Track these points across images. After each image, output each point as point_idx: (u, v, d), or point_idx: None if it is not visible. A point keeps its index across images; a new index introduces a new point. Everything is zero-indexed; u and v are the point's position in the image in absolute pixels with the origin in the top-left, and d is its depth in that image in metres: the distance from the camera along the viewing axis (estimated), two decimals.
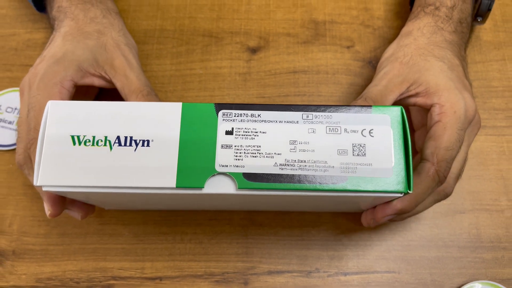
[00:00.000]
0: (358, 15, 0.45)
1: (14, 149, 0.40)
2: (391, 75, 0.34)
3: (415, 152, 0.35)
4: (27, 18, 0.45)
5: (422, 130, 0.36)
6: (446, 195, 0.33)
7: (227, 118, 0.27)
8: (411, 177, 0.27)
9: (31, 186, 0.39)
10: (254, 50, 0.44)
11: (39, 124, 0.30)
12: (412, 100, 0.33)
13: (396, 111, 0.27)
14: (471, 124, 0.33)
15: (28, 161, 0.33)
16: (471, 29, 0.42)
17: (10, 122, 0.40)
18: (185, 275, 0.36)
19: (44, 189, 0.27)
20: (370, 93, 0.32)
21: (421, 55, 0.34)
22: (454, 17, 0.37)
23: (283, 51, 0.43)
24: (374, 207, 0.32)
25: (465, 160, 0.33)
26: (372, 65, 0.43)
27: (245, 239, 0.37)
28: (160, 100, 0.35)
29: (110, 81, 0.35)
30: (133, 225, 0.37)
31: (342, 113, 0.28)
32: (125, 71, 0.35)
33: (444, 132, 0.31)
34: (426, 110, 0.33)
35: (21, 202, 0.38)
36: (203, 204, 0.34)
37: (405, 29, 0.38)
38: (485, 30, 0.44)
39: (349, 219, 0.37)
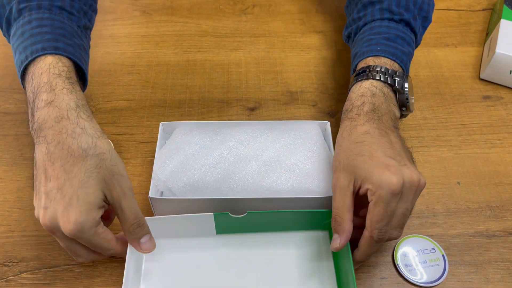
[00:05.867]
0: (318, 87, 0.69)
1: None
2: (340, 185, 0.44)
3: None
4: None
5: None
6: (391, 239, 0.44)
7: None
8: None
9: None
10: (252, 109, 0.66)
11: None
12: (360, 192, 0.44)
13: None
14: (404, 192, 0.42)
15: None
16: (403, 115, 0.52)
17: None
18: None
19: None
20: (338, 208, 0.44)
21: (348, 158, 0.44)
22: (365, 110, 0.47)
23: (271, 109, 0.66)
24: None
25: (404, 215, 0.43)
26: (330, 115, 0.65)
27: None
28: (149, 231, 0.45)
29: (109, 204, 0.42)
30: None
31: None
32: (120, 202, 0.42)
33: (374, 209, 0.42)
34: None
35: None
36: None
37: (336, 139, 0.48)
38: None
39: None
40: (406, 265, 0.50)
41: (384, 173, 0.41)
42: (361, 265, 0.50)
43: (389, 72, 0.50)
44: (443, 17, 0.79)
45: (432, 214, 0.55)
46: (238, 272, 0.49)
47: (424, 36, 0.76)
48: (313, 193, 0.50)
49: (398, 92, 0.50)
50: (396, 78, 0.50)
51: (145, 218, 0.48)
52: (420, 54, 0.73)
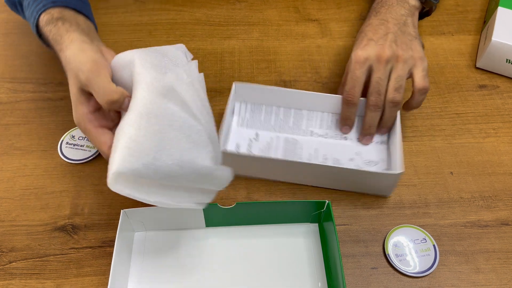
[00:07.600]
0: (312, 76, 0.68)
1: (83, 163, 0.58)
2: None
3: None
4: None
5: None
6: (393, 101, 0.55)
7: None
8: None
9: (96, 185, 0.56)
10: None
11: None
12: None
13: None
14: (373, 65, 0.54)
15: None
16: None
17: (81, 146, 0.59)
18: None
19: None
20: None
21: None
22: (376, 9, 0.62)
23: None
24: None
25: (380, 82, 0.54)
26: None
27: None
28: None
29: None
30: None
31: None
32: (89, 85, 0.45)
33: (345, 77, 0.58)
34: None
35: (90, 195, 0.55)
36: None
37: None
38: None
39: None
40: (397, 255, 0.50)
41: (357, 50, 0.55)
42: (351, 256, 0.50)
43: None
44: (440, 4, 0.78)
45: (424, 204, 0.55)
46: (228, 264, 0.49)
47: (420, 24, 0.75)
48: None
49: None
50: None
51: (133, 209, 0.48)
52: None
